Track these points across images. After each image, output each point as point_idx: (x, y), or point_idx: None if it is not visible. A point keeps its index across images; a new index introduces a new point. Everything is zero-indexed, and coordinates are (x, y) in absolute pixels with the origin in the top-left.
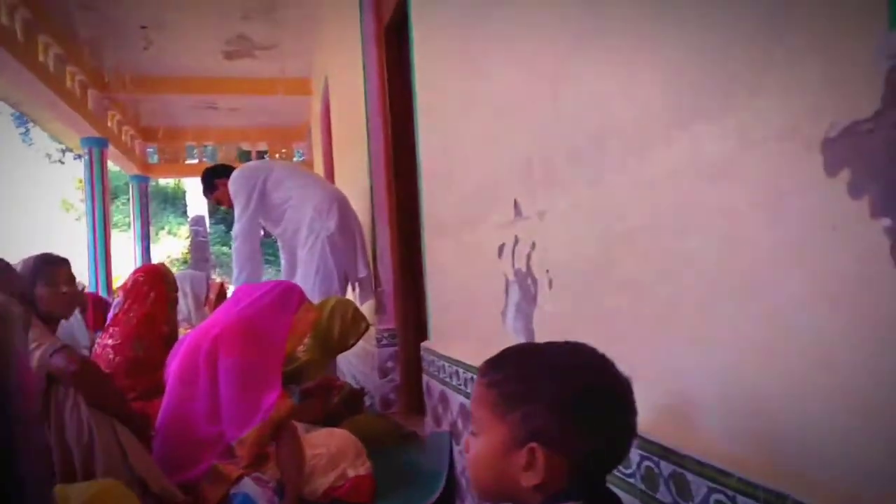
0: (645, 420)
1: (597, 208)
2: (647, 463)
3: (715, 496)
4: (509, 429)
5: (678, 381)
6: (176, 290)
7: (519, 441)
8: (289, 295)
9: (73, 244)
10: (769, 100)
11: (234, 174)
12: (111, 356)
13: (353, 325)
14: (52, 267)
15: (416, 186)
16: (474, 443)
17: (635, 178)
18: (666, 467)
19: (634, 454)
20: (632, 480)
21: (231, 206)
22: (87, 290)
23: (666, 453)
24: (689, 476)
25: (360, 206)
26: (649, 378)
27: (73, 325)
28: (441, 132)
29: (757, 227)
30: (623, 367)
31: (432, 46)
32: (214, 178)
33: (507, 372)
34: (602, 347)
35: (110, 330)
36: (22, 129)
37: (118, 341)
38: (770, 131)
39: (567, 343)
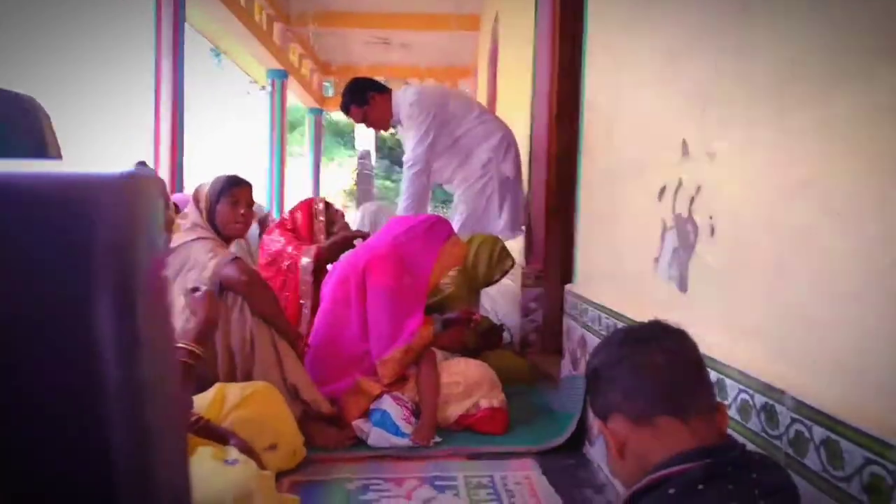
0: (804, 382)
1: (777, 150)
2: (797, 426)
3: (871, 468)
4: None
5: (845, 343)
6: (321, 216)
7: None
8: (438, 228)
9: (251, 170)
10: None
11: (411, 95)
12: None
13: (499, 262)
14: (236, 188)
15: (577, 128)
16: None
17: (825, 118)
18: (819, 432)
19: (785, 416)
20: (778, 443)
21: (378, 128)
22: (270, 213)
23: (821, 417)
24: (845, 444)
25: (519, 145)
26: (813, 339)
27: (252, 243)
28: (610, 70)
29: None
30: (788, 324)
31: None
32: (370, 92)
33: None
34: (764, 303)
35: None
36: (215, 62)
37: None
38: None
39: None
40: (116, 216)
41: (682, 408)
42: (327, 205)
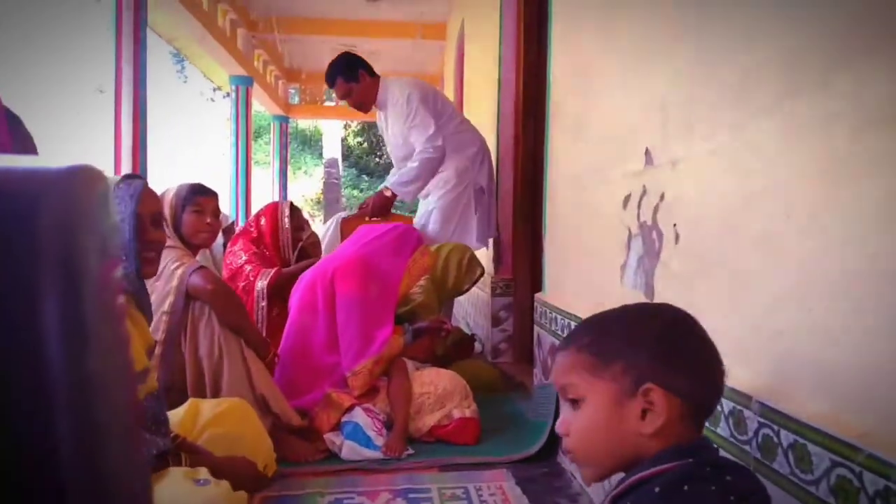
0: (770, 387)
1: (738, 157)
2: (765, 430)
3: (838, 471)
4: (614, 383)
5: (810, 347)
6: (286, 223)
7: (628, 391)
8: (406, 238)
9: (216, 178)
10: None
11: (405, 85)
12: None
13: (469, 271)
14: (201, 197)
15: (542, 135)
16: (577, 416)
17: (784, 125)
18: (787, 436)
19: (753, 421)
20: (747, 448)
21: (358, 107)
22: (235, 223)
23: (788, 421)
24: (812, 447)
25: None
26: (778, 344)
27: (216, 254)
28: (575, 77)
29: None
30: (753, 329)
31: None
32: (361, 69)
33: (595, 332)
34: (729, 309)
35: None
36: (178, 68)
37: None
38: None
39: (642, 303)
40: (62, 210)
41: (705, 417)
42: (294, 209)
